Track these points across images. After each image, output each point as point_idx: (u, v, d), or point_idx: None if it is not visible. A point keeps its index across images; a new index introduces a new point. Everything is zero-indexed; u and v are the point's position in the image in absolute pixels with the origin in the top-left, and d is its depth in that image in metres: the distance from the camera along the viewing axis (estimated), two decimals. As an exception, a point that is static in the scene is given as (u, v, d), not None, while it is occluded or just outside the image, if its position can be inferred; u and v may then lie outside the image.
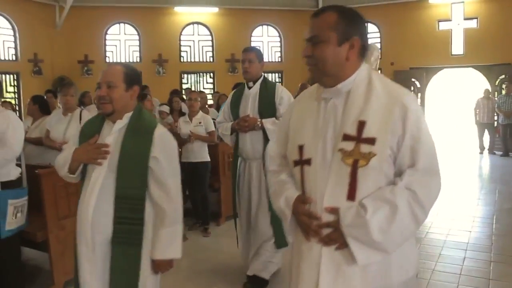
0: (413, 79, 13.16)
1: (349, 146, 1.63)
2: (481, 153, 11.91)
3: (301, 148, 1.76)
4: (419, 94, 13.21)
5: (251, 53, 3.91)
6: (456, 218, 5.94)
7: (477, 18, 12.48)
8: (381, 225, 1.58)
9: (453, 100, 19.04)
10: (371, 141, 1.60)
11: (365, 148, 1.60)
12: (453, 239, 5.08)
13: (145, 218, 2.28)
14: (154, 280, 2.43)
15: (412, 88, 13.20)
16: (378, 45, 13.48)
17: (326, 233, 1.67)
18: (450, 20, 12.77)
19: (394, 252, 1.65)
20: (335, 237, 1.65)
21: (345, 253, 1.65)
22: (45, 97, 6.44)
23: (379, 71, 13.24)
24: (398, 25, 13.04)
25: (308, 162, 1.73)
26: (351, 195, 1.63)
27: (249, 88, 3.98)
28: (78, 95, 5.59)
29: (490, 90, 12.19)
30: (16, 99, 11.91)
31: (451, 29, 12.79)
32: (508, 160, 10.93)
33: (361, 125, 1.63)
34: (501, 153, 11.53)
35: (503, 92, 11.87)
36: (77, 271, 2.35)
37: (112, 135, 2.30)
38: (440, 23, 12.91)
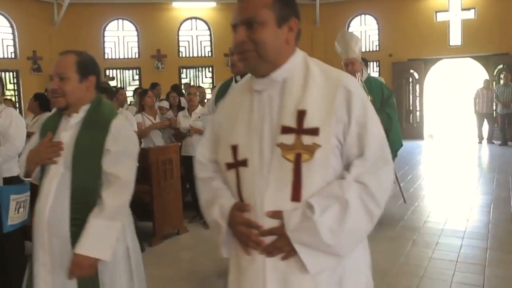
0: (411, 71, 13.19)
1: (289, 139, 1.42)
2: (480, 142, 11.97)
3: (234, 148, 1.52)
4: (418, 85, 13.25)
5: None
6: (454, 206, 6.01)
7: (474, 8, 12.49)
8: (332, 225, 1.39)
9: (451, 90, 19.06)
10: (314, 131, 1.41)
11: (307, 139, 1.41)
12: (451, 227, 5.15)
13: None
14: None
15: (410, 79, 13.25)
16: (376, 37, 13.52)
17: (270, 242, 1.45)
18: (447, 11, 12.79)
19: (347, 257, 1.47)
20: (280, 245, 1.43)
21: (293, 262, 1.44)
22: (46, 94, 6.51)
23: (377, 63, 13.32)
24: (396, 16, 13.04)
25: (244, 163, 1.50)
26: (295, 195, 1.42)
27: (236, 82, 3.70)
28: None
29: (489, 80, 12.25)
30: (16, 97, 11.97)
31: (449, 20, 12.80)
32: (506, 149, 10.98)
33: (301, 114, 1.43)
34: (499, 142, 11.59)
35: (501, 82, 11.92)
36: (31, 279, 2.12)
37: (68, 130, 2.12)
38: (437, 14, 12.93)
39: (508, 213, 5.62)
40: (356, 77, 4.74)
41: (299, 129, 1.42)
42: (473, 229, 5.10)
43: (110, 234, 2.02)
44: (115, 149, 2.05)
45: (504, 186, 7.08)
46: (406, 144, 11.88)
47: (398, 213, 5.60)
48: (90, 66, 2.16)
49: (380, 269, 4.01)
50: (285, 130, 1.44)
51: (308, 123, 1.42)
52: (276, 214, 1.43)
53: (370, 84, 4.81)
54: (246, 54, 1.48)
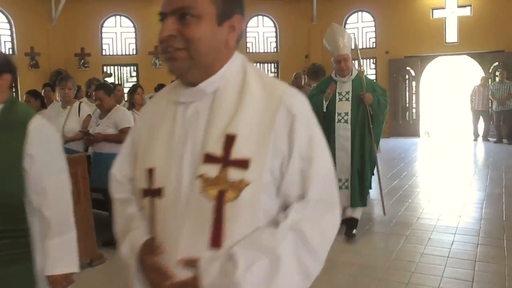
0: (407, 68, 13.25)
1: (212, 171, 1.14)
2: (475, 140, 12.06)
3: (151, 172, 1.24)
4: (414, 83, 13.32)
5: None
6: (447, 203, 6.09)
7: (470, 5, 12.55)
8: (258, 286, 1.12)
9: (447, 88, 19.16)
10: (244, 163, 1.14)
11: (235, 174, 1.13)
12: (443, 224, 5.23)
13: (30, 228, 1.87)
14: None
15: (406, 77, 13.32)
16: (373, 34, 13.57)
17: None
18: (444, 8, 12.85)
19: None
20: None
21: None
22: (42, 91, 6.58)
23: (374, 60, 13.36)
24: (392, 13, 13.09)
25: (159, 192, 1.22)
26: (215, 241, 1.14)
27: None
28: (76, 88, 5.70)
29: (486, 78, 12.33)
30: (14, 93, 12.01)
31: (445, 17, 12.86)
32: (501, 146, 11.07)
33: (230, 140, 1.15)
34: (494, 139, 11.68)
35: (497, 79, 11.99)
36: None
37: None
38: (434, 11, 12.98)
39: (500, 209, 5.71)
40: (352, 74, 4.73)
41: (225, 159, 1.15)
42: (465, 225, 5.19)
43: (68, 248, 1.94)
44: (40, 155, 1.85)
45: (497, 182, 7.17)
46: (402, 141, 12.04)
47: (392, 210, 5.68)
48: (4, 64, 1.95)
49: (372, 264, 4.10)
50: (209, 158, 1.16)
51: (237, 152, 1.15)
52: (191, 263, 1.16)
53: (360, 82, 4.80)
54: (174, 54, 1.18)
